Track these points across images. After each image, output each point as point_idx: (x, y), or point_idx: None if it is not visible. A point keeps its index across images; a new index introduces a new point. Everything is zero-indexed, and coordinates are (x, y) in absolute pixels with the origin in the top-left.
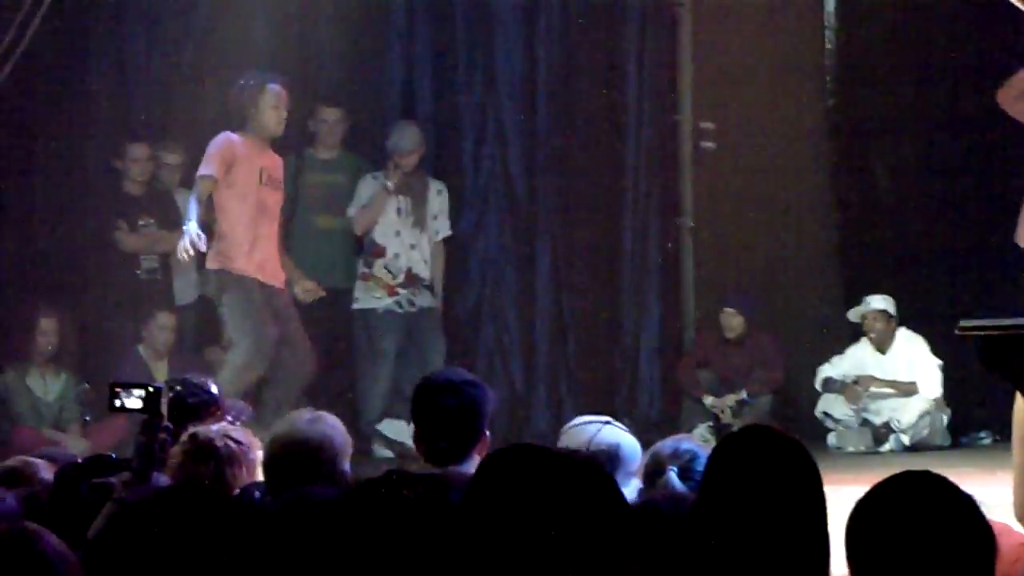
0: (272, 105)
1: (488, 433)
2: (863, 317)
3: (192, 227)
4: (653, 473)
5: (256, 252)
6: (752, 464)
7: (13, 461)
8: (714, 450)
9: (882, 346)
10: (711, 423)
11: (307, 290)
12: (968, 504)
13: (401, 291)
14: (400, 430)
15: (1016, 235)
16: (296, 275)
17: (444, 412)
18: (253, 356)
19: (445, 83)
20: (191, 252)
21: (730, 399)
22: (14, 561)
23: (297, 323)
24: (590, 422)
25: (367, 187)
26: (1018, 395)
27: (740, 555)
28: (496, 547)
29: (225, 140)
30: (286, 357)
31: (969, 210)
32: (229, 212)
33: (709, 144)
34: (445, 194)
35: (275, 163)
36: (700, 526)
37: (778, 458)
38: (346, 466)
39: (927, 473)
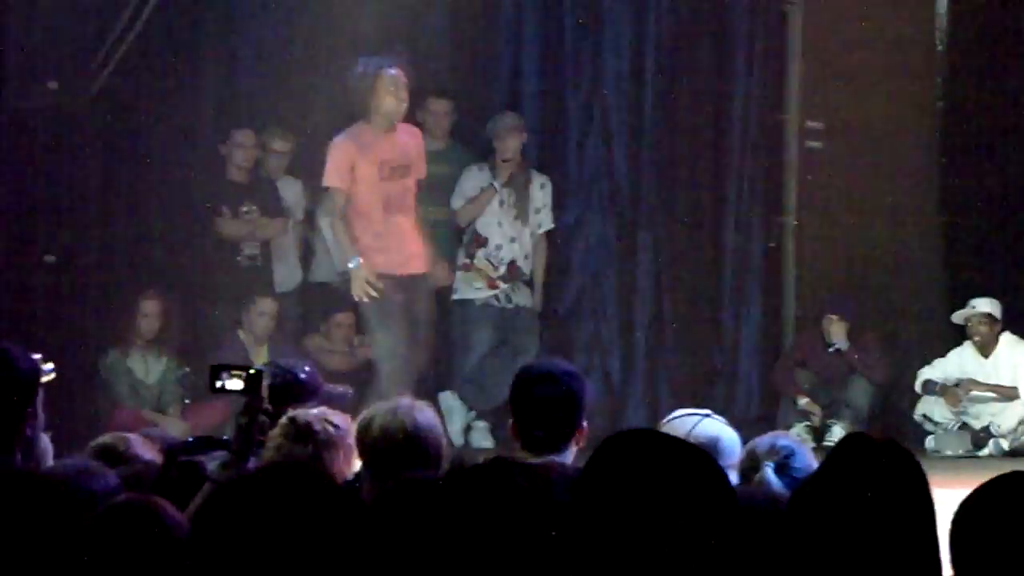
0: (390, 90)
1: (586, 424)
2: (968, 320)
3: (359, 266)
4: (749, 469)
5: (387, 246)
6: (863, 472)
7: (108, 437)
8: (829, 455)
9: (985, 350)
10: (808, 423)
11: (439, 275)
12: None
13: (501, 284)
14: (452, 408)
15: None
16: (433, 259)
17: (542, 402)
18: (394, 353)
19: (552, 78)
20: (372, 293)
21: (824, 400)
22: (139, 529)
23: (428, 310)
24: (690, 414)
25: (471, 178)
26: None
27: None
28: (610, 530)
29: (341, 145)
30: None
31: None
32: (357, 211)
33: (815, 143)
34: (548, 188)
35: (398, 151)
36: (802, 527)
37: (891, 469)
38: (442, 453)
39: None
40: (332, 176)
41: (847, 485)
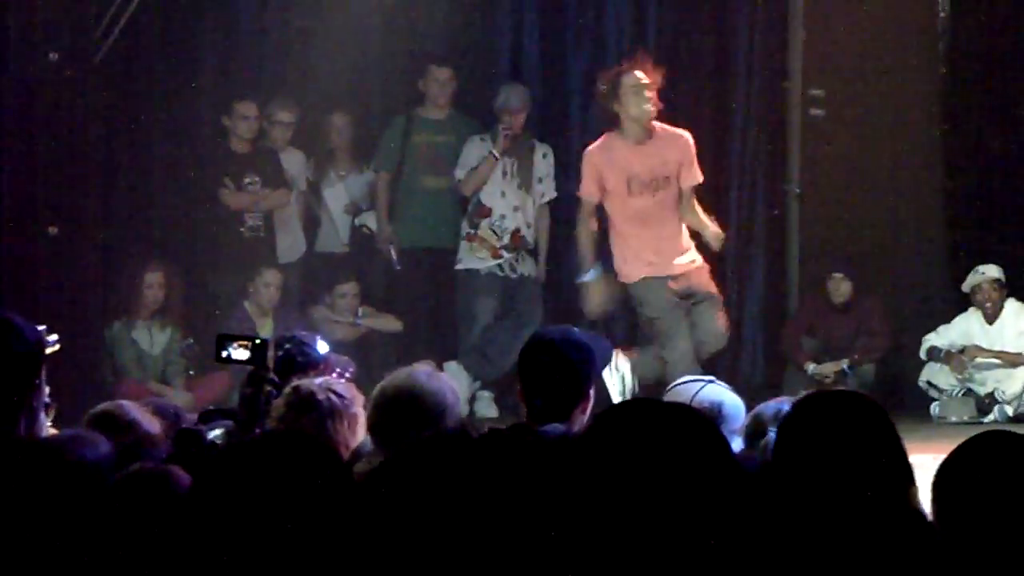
0: (633, 91)
1: (592, 393)
2: (977, 286)
3: (595, 278)
4: (754, 434)
5: (645, 256)
6: (829, 423)
7: (105, 405)
8: (789, 412)
9: (992, 317)
10: (814, 390)
11: (716, 236)
12: None
13: (505, 254)
14: (457, 377)
15: None
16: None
17: (542, 370)
18: (683, 351)
19: (553, 46)
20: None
21: (831, 367)
22: (152, 497)
23: (708, 294)
24: (693, 380)
25: (474, 149)
26: None
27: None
28: (609, 498)
29: (588, 156)
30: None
31: None
32: (612, 224)
33: (818, 111)
34: (551, 157)
35: (651, 163)
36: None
37: (855, 418)
38: (445, 416)
39: (1008, 432)
40: (584, 185)
41: (812, 434)
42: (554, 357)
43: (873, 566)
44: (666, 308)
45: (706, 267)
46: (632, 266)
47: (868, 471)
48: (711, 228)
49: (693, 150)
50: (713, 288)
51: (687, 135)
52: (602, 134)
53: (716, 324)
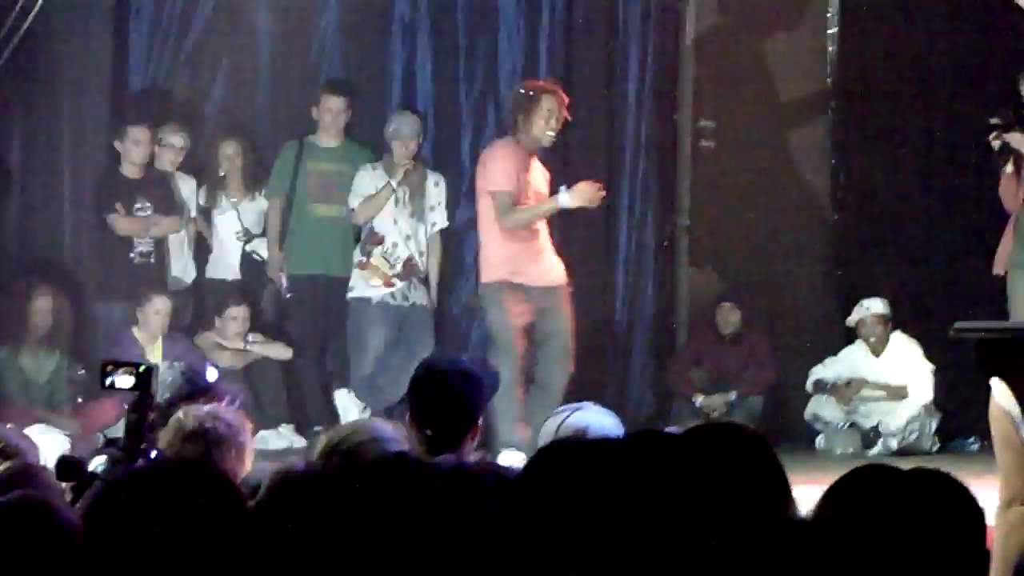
0: (547, 115)
1: (481, 421)
2: (861, 321)
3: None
4: None
5: (512, 262)
6: (714, 457)
7: None
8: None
9: (877, 350)
10: (701, 422)
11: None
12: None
13: (398, 282)
14: (347, 406)
15: (994, 264)
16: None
17: (433, 399)
18: (514, 378)
19: (446, 75)
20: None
21: (719, 399)
22: (27, 529)
23: (562, 321)
24: (561, 410)
25: (366, 177)
26: (993, 395)
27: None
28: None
29: (502, 151)
30: (547, 354)
31: (967, 215)
32: (486, 224)
33: (708, 142)
34: (443, 186)
35: (538, 176)
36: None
37: (739, 451)
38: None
39: (885, 466)
40: (500, 179)
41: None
42: (444, 387)
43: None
44: (506, 323)
45: (567, 289)
46: (492, 270)
47: (750, 496)
48: (567, 194)
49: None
50: (567, 312)
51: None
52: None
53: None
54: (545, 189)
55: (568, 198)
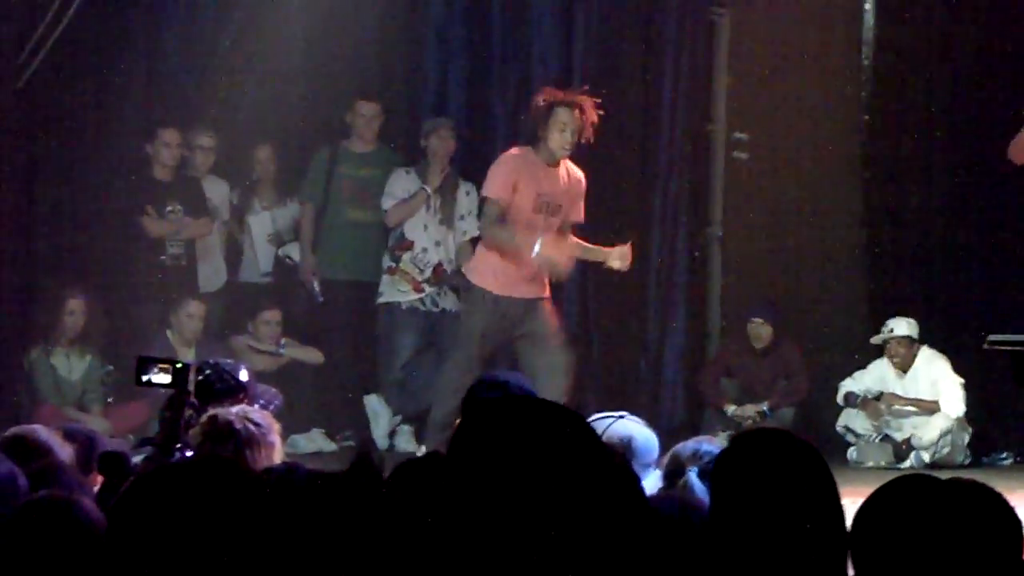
0: (560, 127)
1: None
2: (886, 342)
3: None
4: (673, 473)
5: (507, 271)
6: (763, 465)
7: (17, 428)
8: (724, 451)
9: (904, 367)
10: (732, 432)
11: (621, 254)
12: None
13: (427, 288)
14: (377, 411)
15: None
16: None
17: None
18: (462, 371)
19: (479, 85)
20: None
21: (751, 409)
22: (55, 526)
23: (552, 333)
24: (604, 417)
25: (399, 180)
26: None
27: (755, 558)
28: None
29: (507, 160)
30: (543, 366)
31: (1002, 228)
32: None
33: (742, 154)
34: (474, 195)
35: (557, 187)
36: (714, 527)
37: (789, 459)
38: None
39: (924, 476)
40: (496, 187)
41: (747, 477)
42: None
43: None
44: (479, 327)
45: (551, 306)
46: (484, 275)
47: (804, 514)
48: (608, 250)
49: (584, 191)
50: (555, 324)
51: (583, 176)
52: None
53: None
54: (565, 201)
55: (538, 250)
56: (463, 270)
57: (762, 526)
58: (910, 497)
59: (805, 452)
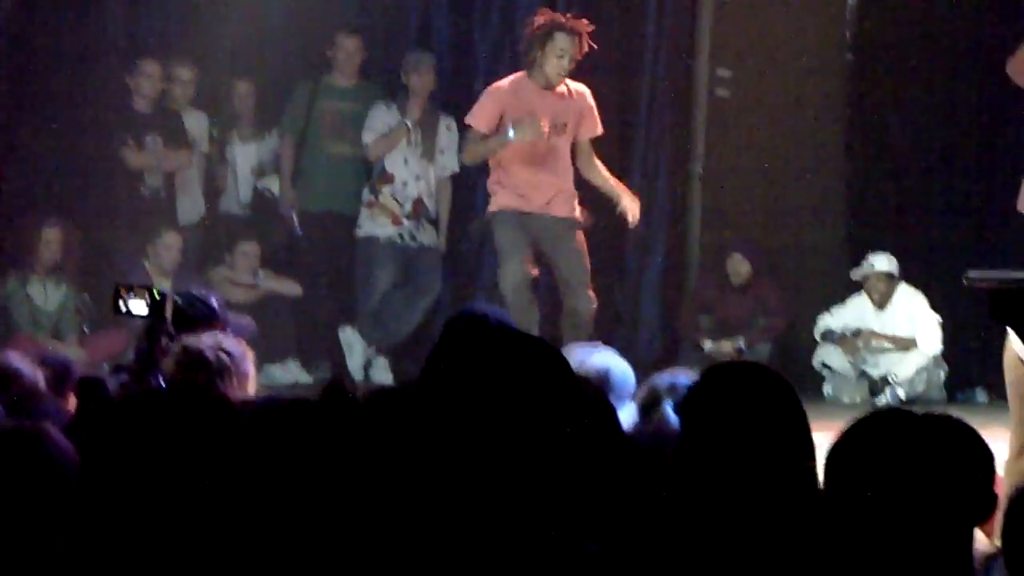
0: (559, 54)
1: None
2: (865, 277)
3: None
4: (649, 406)
5: (521, 190)
6: (734, 397)
7: None
8: (695, 383)
9: (882, 303)
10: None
11: (633, 204)
12: (949, 434)
13: (406, 222)
14: (352, 343)
15: (1018, 202)
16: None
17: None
18: (514, 274)
19: (462, 21)
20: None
21: (727, 345)
22: (19, 458)
23: (574, 251)
24: (581, 348)
25: (380, 114)
26: (1008, 342)
27: (723, 489)
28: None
29: (493, 92)
30: (568, 280)
31: (980, 167)
32: (500, 160)
33: (724, 92)
34: (455, 130)
35: (555, 108)
36: (684, 458)
37: (759, 391)
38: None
39: (899, 410)
40: (478, 116)
41: (718, 407)
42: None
43: (778, 540)
44: (512, 236)
45: (578, 223)
46: (502, 196)
47: (774, 445)
48: (626, 196)
49: (593, 103)
50: (579, 244)
51: (586, 89)
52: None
53: (579, 263)
54: (571, 118)
55: (513, 133)
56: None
57: (731, 457)
58: (883, 431)
59: (776, 385)
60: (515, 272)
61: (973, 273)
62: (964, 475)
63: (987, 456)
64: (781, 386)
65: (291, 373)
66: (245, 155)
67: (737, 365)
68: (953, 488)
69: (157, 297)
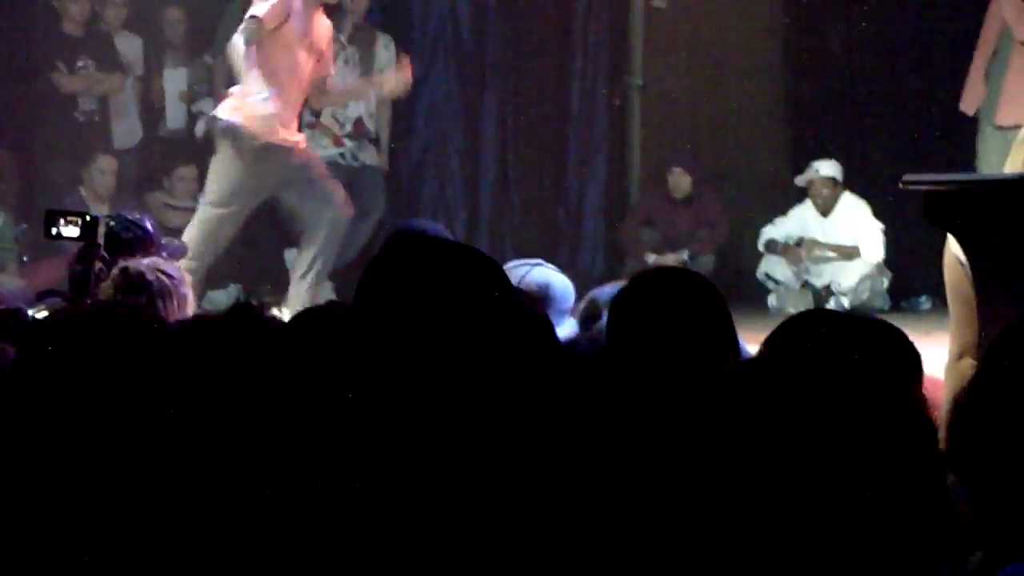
0: None
1: None
2: (810, 183)
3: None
4: (589, 317)
5: (278, 113)
6: (659, 300)
7: None
8: (622, 288)
9: (826, 210)
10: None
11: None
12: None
13: (348, 142)
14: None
15: (961, 101)
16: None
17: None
18: (218, 211)
19: None
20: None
21: (671, 258)
22: None
23: (323, 178)
24: (521, 264)
25: None
26: (948, 244)
27: (649, 391)
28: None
29: None
30: (318, 215)
31: (920, 74)
32: (263, 68)
33: (660, 3)
34: (392, 48)
35: (323, 31)
36: (612, 362)
37: (685, 294)
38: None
39: (825, 311)
40: (269, 11)
41: (644, 311)
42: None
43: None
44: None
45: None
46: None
47: (698, 343)
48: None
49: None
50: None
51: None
52: None
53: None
54: (323, 46)
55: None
56: None
57: (657, 359)
58: (810, 328)
59: (700, 287)
60: None
61: (909, 177)
62: (890, 372)
63: (912, 355)
64: (705, 288)
65: (233, 298)
66: (174, 80)
67: (663, 270)
68: (877, 386)
69: (89, 221)
